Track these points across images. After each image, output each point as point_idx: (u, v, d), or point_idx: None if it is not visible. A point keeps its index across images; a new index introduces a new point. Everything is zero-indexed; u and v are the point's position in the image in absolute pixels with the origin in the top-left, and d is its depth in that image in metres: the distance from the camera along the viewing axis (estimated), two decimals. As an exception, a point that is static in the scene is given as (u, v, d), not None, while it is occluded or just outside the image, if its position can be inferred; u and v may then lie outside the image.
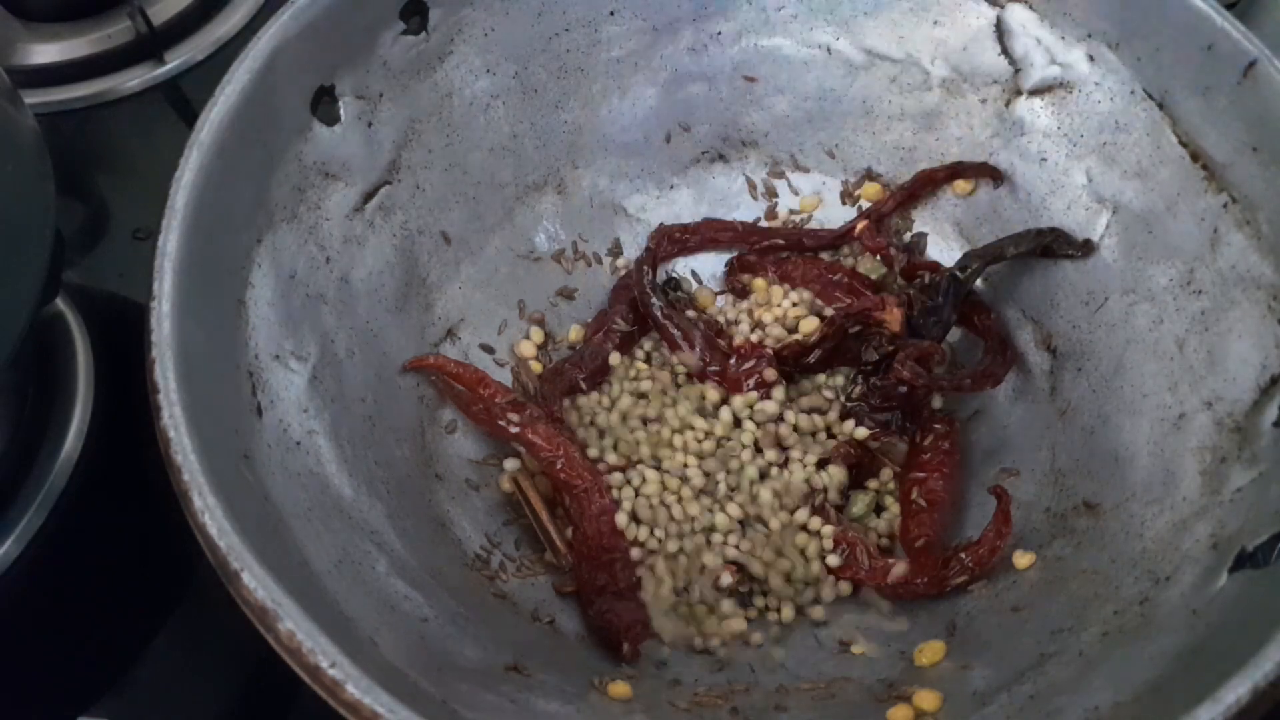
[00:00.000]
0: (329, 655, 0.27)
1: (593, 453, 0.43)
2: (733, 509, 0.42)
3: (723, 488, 0.42)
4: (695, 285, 0.50)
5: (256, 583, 0.28)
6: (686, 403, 0.45)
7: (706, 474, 0.42)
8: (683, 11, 0.48)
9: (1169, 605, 0.34)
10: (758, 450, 0.43)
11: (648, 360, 0.47)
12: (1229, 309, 0.39)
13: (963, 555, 0.40)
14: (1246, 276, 0.38)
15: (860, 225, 0.48)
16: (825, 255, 0.50)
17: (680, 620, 0.40)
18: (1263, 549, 0.32)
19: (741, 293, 0.50)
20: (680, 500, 0.42)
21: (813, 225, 0.51)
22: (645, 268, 0.47)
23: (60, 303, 0.46)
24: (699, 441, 0.43)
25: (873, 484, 0.44)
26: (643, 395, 0.45)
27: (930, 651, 0.38)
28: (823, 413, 0.45)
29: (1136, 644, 0.33)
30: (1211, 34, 0.39)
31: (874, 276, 0.48)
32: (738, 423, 0.44)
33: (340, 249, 0.42)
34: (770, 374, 0.45)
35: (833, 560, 0.41)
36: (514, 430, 0.42)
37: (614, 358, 0.46)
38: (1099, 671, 0.32)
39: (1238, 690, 0.27)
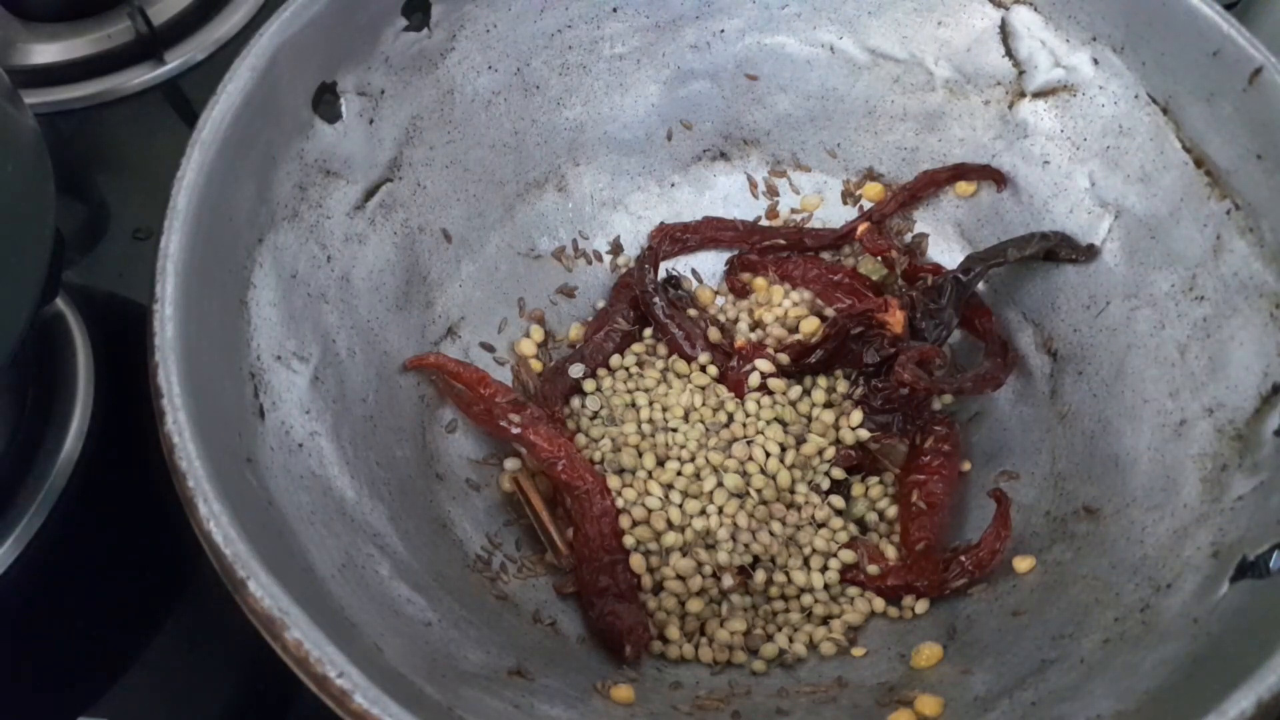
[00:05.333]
0: (336, 664, 0.27)
1: (593, 454, 0.43)
2: (734, 510, 0.42)
3: (725, 490, 0.42)
4: (695, 284, 0.50)
5: (263, 591, 0.28)
6: (687, 407, 0.45)
7: (708, 476, 0.42)
8: (685, 9, 0.48)
9: (1170, 613, 0.34)
10: (762, 452, 0.43)
11: (639, 364, 0.47)
12: (1231, 316, 0.39)
13: (962, 558, 0.40)
14: (1249, 284, 0.38)
15: (862, 227, 0.48)
16: (826, 255, 0.50)
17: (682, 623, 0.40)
18: (1264, 559, 0.33)
19: (742, 292, 0.50)
20: (683, 502, 0.42)
21: (814, 225, 0.51)
22: (647, 266, 0.47)
23: (60, 303, 0.46)
24: (701, 443, 0.43)
25: (873, 485, 0.44)
26: (643, 394, 0.45)
27: (927, 654, 0.38)
28: (825, 414, 0.45)
29: (1138, 652, 0.33)
30: (1217, 40, 0.39)
31: (875, 277, 0.48)
32: (740, 424, 0.44)
33: (341, 247, 0.41)
34: (774, 378, 0.45)
35: (834, 563, 0.42)
36: (515, 431, 0.42)
37: (614, 359, 0.46)
38: (1101, 679, 0.33)
39: (1241, 703, 0.27)
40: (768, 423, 0.44)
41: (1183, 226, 0.41)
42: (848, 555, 0.42)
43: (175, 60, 0.58)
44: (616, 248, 0.50)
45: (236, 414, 0.34)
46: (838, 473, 0.44)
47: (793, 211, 0.51)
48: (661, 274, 0.49)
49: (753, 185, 0.51)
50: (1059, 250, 0.44)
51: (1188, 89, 0.41)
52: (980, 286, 0.46)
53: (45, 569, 0.42)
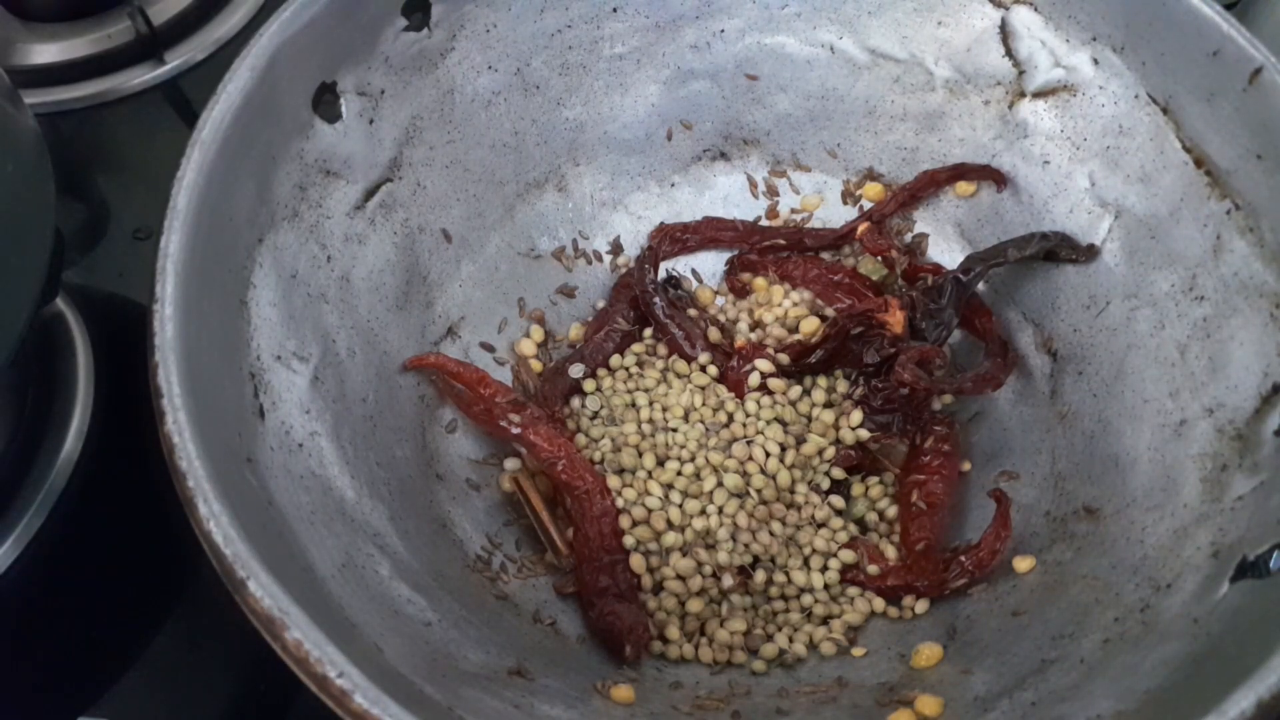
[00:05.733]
0: (336, 665, 0.27)
1: (593, 454, 0.43)
2: (734, 510, 0.42)
3: (725, 490, 0.42)
4: (695, 284, 0.50)
5: (263, 591, 0.28)
6: (687, 407, 0.45)
7: (708, 476, 0.42)
8: (686, 8, 0.48)
9: (1170, 613, 0.34)
10: (762, 452, 0.43)
11: (639, 364, 0.47)
12: (1231, 316, 0.39)
13: (962, 558, 0.40)
14: (1249, 284, 0.38)
15: (862, 227, 0.48)
16: (826, 255, 0.50)
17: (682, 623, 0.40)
18: (1264, 559, 0.33)
19: (742, 292, 0.50)
20: (682, 502, 0.42)
21: (814, 225, 0.51)
22: (647, 266, 0.47)
23: (60, 303, 0.46)
24: (701, 443, 0.43)
25: (873, 485, 0.44)
26: (643, 394, 0.45)
27: (927, 654, 0.38)
28: (825, 414, 0.45)
29: (1138, 652, 0.33)
30: (1218, 40, 0.39)
31: (875, 277, 0.48)
32: (740, 424, 0.44)
33: (341, 247, 0.41)
34: (774, 378, 0.45)
35: (834, 563, 0.42)
36: (515, 431, 0.42)
37: (614, 359, 0.46)
38: (1101, 679, 0.33)
39: (1241, 703, 0.27)
40: (768, 423, 0.44)
41: (1183, 226, 0.41)
42: (848, 555, 0.42)
43: (175, 60, 0.58)
44: (616, 248, 0.50)
45: (236, 414, 0.34)
46: (838, 473, 0.44)
47: (793, 211, 0.51)
48: (661, 274, 0.49)
49: (753, 185, 0.51)
50: (1059, 250, 0.44)
51: (1188, 89, 0.41)
52: (980, 286, 0.46)
53: (45, 569, 0.42)
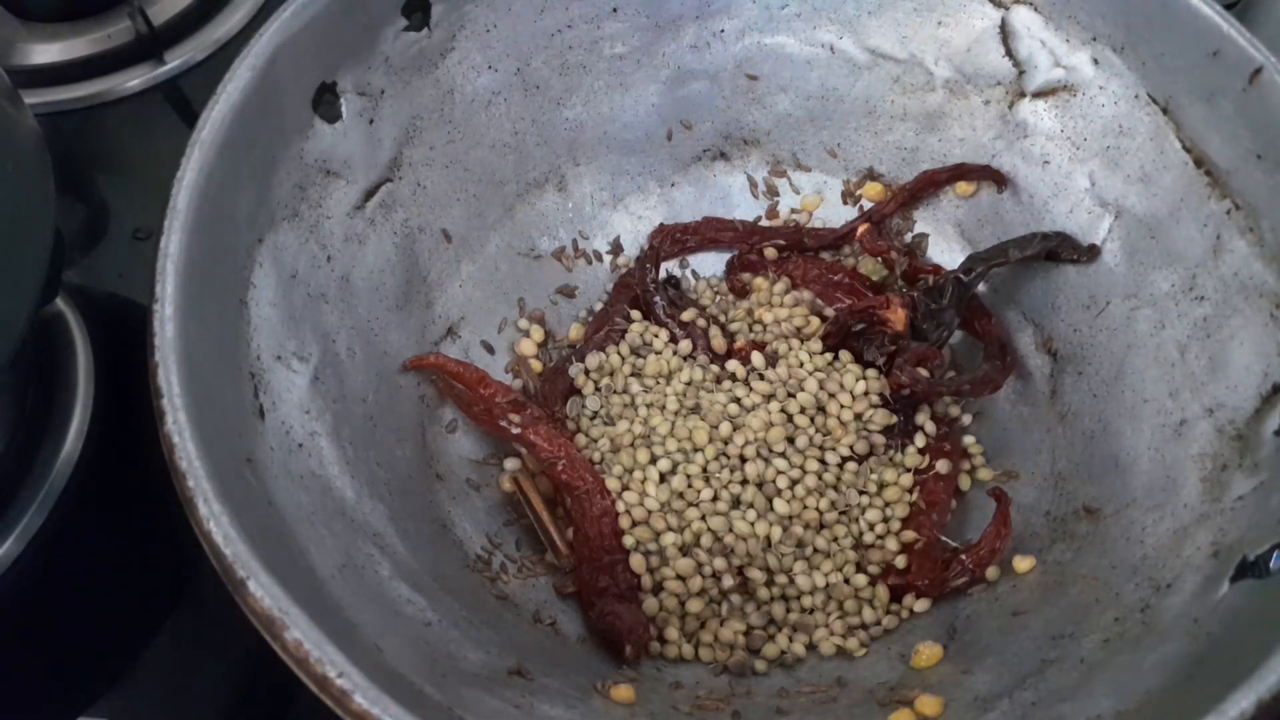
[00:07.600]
0: (337, 665, 0.27)
1: (593, 455, 0.43)
2: (736, 512, 0.42)
3: (726, 493, 0.42)
4: (695, 284, 0.50)
5: (263, 591, 0.28)
6: (690, 409, 0.44)
7: (708, 475, 0.42)
8: (686, 8, 0.48)
9: (1170, 613, 0.34)
10: (764, 451, 0.43)
11: (636, 360, 0.47)
12: (1231, 316, 0.39)
13: (962, 557, 0.40)
14: (1249, 284, 0.38)
15: (861, 228, 0.48)
16: (826, 255, 0.50)
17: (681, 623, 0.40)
18: (1264, 559, 0.33)
19: (742, 292, 0.50)
20: (682, 502, 0.42)
21: (814, 225, 0.51)
22: (648, 266, 0.47)
23: (60, 303, 0.46)
24: (700, 443, 0.43)
25: (888, 472, 0.44)
26: (643, 394, 0.45)
27: (927, 654, 0.38)
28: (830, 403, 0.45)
29: (1138, 652, 0.33)
30: (1218, 40, 0.39)
31: (875, 278, 0.48)
32: (740, 423, 0.44)
33: (341, 247, 0.41)
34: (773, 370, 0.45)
35: (836, 563, 0.42)
36: (515, 431, 0.42)
37: (615, 359, 0.46)
38: (1101, 679, 0.33)
39: (1241, 703, 0.27)
40: (768, 423, 0.44)
41: (1183, 226, 0.41)
42: (849, 555, 0.42)
43: (175, 60, 0.58)
44: (616, 248, 0.50)
45: (236, 414, 0.34)
46: (850, 447, 0.43)
47: (793, 211, 0.51)
48: (662, 274, 0.49)
49: (753, 185, 0.51)
50: (1060, 250, 0.44)
51: (1188, 89, 0.41)
52: (980, 287, 0.46)
53: (45, 569, 0.42)
